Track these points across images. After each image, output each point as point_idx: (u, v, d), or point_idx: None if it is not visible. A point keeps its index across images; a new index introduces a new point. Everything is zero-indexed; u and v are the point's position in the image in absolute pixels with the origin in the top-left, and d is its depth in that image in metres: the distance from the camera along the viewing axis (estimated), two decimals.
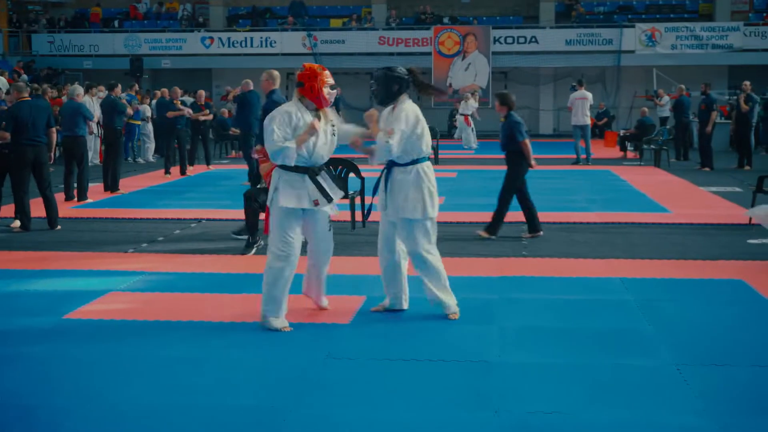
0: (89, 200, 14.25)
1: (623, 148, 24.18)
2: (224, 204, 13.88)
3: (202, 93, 19.99)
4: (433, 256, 7.13)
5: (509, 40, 32.50)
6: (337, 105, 27.78)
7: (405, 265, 7.30)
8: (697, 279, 8.65)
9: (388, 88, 7.06)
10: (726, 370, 5.88)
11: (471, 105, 27.35)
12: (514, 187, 10.79)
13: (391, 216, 7.11)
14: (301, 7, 35.20)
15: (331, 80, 6.88)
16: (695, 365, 5.98)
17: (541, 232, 10.88)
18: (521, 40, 32.50)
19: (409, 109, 7.01)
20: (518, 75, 32.75)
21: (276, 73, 11.56)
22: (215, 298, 7.95)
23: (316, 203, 6.80)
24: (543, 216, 11.22)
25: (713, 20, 33.07)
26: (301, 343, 6.57)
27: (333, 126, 7.00)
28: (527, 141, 10.74)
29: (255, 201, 9.86)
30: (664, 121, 26.14)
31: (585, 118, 21.32)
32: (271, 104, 11.15)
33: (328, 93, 6.85)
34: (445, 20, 34.22)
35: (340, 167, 11.47)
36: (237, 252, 9.96)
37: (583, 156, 21.26)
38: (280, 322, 6.86)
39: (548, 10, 34.37)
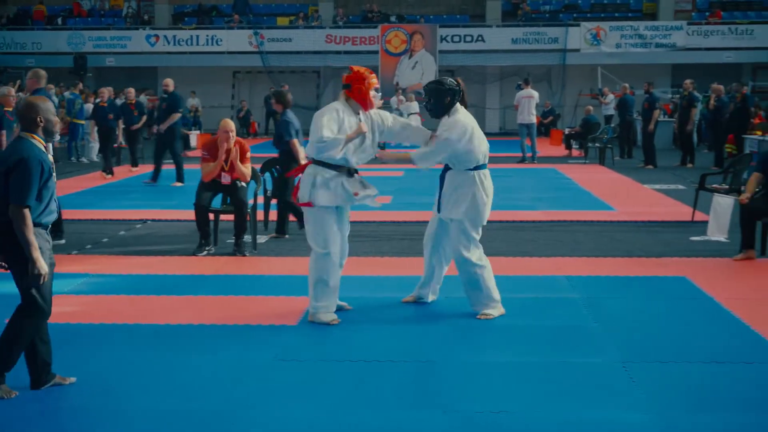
0: None
1: (568, 147, 24.40)
2: (170, 204, 13.74)
3: (132, 91, 19.40)
4: (475, 262, 7.19)
5: (456, 38, 32.63)
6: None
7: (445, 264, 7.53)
8: (641, 276, 8.74)
9: (441, 101, 7.13)
10: (671, 367, 5.95)
11: (413, 106, 27.30)
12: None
13: (442, 216, 7.24)
14: (246, 5, 35.00)
15: (377, 83, 7.07)
16: (641, 362, 6.05)
17: (287, 235, 10.83)
18: (468, 38, 32.64)
19: (461, 119, 7.10)
20: (465, 73, 32.83)
21: (42, 72, 11.31)
22: (162, 300, 7.87)
23: (356, 194, 6.97)
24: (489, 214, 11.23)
25: (657, 19, 33.50)
26: (249, 345, 6.52)
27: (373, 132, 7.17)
28: (296, 141, 10.66)
29: (203, 205, 9.76)
30: (608, 119, 26.41)
31: (531, 116, 21.48)
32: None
33: (374, 96, 7.02)
34: (392, 19, 34.26)
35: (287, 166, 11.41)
36: (185, 253, 9.87)
37: (529, 154, 21.41)
38: (329, 316, 7.02)
39: (495, 8, 34.57)
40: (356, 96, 6.98)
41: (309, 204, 6.94)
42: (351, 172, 7.02)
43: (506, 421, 5.04)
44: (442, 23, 33.71)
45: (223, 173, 9.83)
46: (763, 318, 7.13)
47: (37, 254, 5.17)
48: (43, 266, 5.19)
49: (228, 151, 9.81)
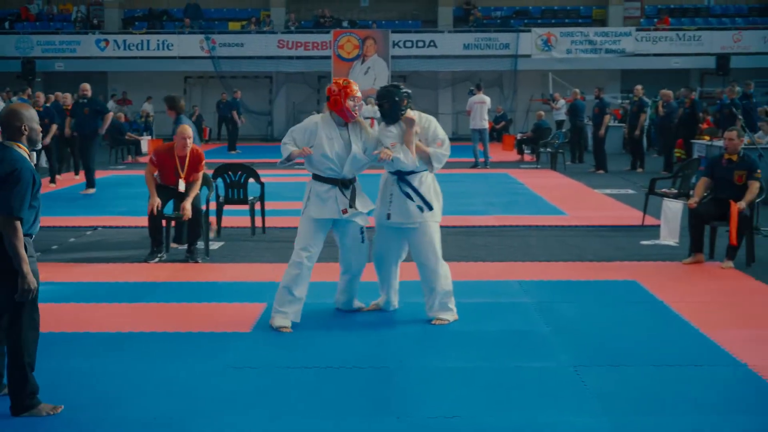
0: None
1: (520, 152, 24.56)
2: (120, 211, 13.61)
3: (68, 96, 18.98)
4: (443, 263, 7.28)
5: (408, 44, 32.71)
6: (237, 109, 27.58)
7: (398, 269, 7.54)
8: (592, 281, 8.83)
9: (397, 106, 7.09)
10: (622, 371, 6.01)
11: (369, 110, 27.29)
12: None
13: (398, 221, 7.19)
14: (198, 10, 34.79)
15: (356, 93, 7.02)
16: (592, 366, 6.11)
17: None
18: (420, 44, 32.74)
19: (434, 120, 7.30)
20: (417, 79, 32.93)
21: None
22: (113, 308, 7.79)
23: (344, 212, 7.01)
24: (442, 219, 11.28)
25: (606, 26, 33.85)
26: (201, 352, 6.48)
27: (367, 142, 7.16)
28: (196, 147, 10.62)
29: (157, 214, 9.65)
30: (559, 124, 26.64)
31: (483, 121, 21.59)
32: None
33: (352, 106, 6.98)
34: (344, 24, 34.23)
35: (239, 172, 11.39)
36: (137, 260, 9.78)
37: (482, 159, 21.51)
38: (281, 321, 7.00)
39: (446, 14, 34.71)
40: (334, 107, 7.04)
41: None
42: (345, 183, 7.07)
43: (460, 425, 5.06)
44: (394, 28, 33.78)
45: (179, 180, 9.76)
46: (712, 321, 7.24)
47: (27, 268, 5.04)
48: (32, 281, 5.07)
49: (183, 159, 9.75)
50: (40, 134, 5.39)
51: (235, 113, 27.53)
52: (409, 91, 7.26)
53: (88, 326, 7.15)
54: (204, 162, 9.96)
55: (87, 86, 16.50)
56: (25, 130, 5.22)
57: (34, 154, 5.49)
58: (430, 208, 7.13)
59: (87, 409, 5.32)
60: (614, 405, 5.38)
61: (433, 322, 7.21)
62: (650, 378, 5.88)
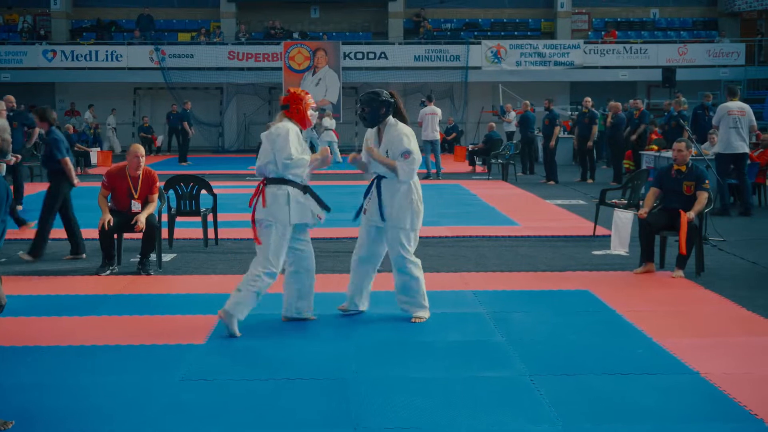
0: None
1: (472, 163, 24.69)
2: None
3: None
4: (414, 263, 7.59)
5: (359, 55, 32.79)
6: (188, 120, 27.36)
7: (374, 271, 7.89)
8: (546, 290, 8.88)
9: (376, 112, 7.54)
10: (577, 379, 6.05)
11: (329, 122, 27.28)
12: (55, 206, 10.58)
13: (378, 223, 7.58)
14: (148, 20, 34.54)
15: (314, 104, 7.48)
16: (547, 375, 6.14)
17: (84, 255, 10.64)
18: (371, 55, 32.83)
19: (407, 130, 7.59)
20: (369, 90, 32.99)
21: None
22: (64, 321, 7.68)
23: (320, 218, 7.36)
24: None
25: (555, 38, 34.23)
26: (155, 364, 6.41)
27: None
28: (67, 159, 10.59)
29: (108, 229, 9.51)
30: (510, 135, 26.84)
31: (435, 133, 21.68)
32: None
33: (312, 115, 7.39)
34: (295, 35, 34.23)
35: (191, 184, 11.30)
36: (87, 273, 9.66)
37: (434, 170, 21.60)
38: (236, 328, 7.11)
39: (396, 26, 34.86)
40: (295, 116, 7.31)
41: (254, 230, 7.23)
42: (306, 189, 7.32)
43: None
44: (345, 40, 33.84)
45: (132, 201, 9.65)
46: (664, 330, 7.31)
47: None
48: (1, 296, 5.01)
49: (136, 179, 9.66)
50: (11, 145, 5.31)
51: (186, 124, 27.30)
52: (391, 99, 7.62)
53: (38, 340, 7.03)
54: (158, 183, 9.87)
55: (12, 98, 15.74)
56: None
57: (4, 165, 5.41)
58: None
59: (37, 424, 5.23)
60: (569, 413, 5.41)
61: (411, 320, 7.58)
62: (605, 386, 5.93)
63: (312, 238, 7.64)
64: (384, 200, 7.51)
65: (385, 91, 7.72)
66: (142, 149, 9.81)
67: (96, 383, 5.97)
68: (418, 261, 7.66)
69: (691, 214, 9.35)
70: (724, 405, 5.58)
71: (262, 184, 7.28)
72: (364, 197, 7.72)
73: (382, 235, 7.65)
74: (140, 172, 9.68)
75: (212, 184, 11.56)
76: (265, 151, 7.25)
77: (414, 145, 7.51)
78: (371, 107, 7.55)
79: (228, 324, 7.09)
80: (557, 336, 7.20)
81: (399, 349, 6.81)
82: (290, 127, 7.23)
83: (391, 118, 7.63)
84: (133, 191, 9.64)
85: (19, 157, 14.42)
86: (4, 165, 5.17)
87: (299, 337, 7.15)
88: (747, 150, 14.88)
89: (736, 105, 14.78)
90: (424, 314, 7.64)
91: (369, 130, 7.74)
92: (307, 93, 7.44)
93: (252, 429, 5.17)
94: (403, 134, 7.51)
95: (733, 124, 14.57)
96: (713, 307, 8.26)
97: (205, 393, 5.81)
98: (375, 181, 7.61)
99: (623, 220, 10.81)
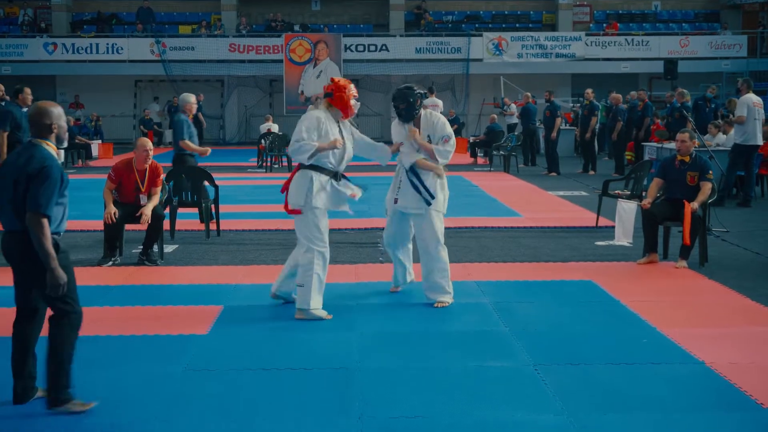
0: None
1: (473, 155, 24.66)
2: (71, 215, 13.31)
3: None
4: (444, 248, 7.90)
5: (360, 47, 32.72)
6: (201, 111, 27.51)
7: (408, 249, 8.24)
8: (549, 281, 8.86)
9: (413, 106, 7.78)
10: (581, 369, 6.04)
11: None
12: None
13: (411, 209, 7.85)
14: (149, 13, 34.48)
15: (356, 93, 7.57)
16: (552, 365, 6.12)
17: None
18: (372, 48, 32.76)
19: (443, 117, 8.01)
20: (370, 83, 32.97)
21: None
22: None
23: (353, 195, 7.52)
24: None
25: (556, 30, 34.15)
26: (158, 355, 6.40)
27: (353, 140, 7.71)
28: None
29: (114, 222, 9.47)
30: (511, 127, 26.79)
31: None
32: None
33: (355, 104, 7.49)
34: (296, 28, 34.15)
35: (193, 175, 11.27)
36: (89, 264, 9.63)
37: None
38: (323, 312, 7.35)
39: (398, 18, 34.77)
40: (338, 104, 7.41)
41: (298, 211, 7.29)
42: (338, 176, 7.46)
43: (422, 425, 5.05)
44: (346, 32, 33.77)
45: (140, 195, 9.63)
46: (668, 320, 7.29)
47: (54, 263, 5.06)
48: (62, 275, 5.08)
49: (143, 172, 9.63)
50: (68, 133, 5.43)
51: (200, 114, 27.46)
52: (423, 91, 7.99)
53: (42, 331, 6.99)
54: (162, 176, 9.87)
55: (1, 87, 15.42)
56: (54, 128, 5.26)
57: (62, 152, 5.50)
58: (433, 197, 7.79)
59: (44, 414, 5.21)
60: (574, 403, 5.39)
61: (435, 305, 7.74)
62: (609, 376, 5.91)
63: None
64: (422, 185, 7.77)
65: (414, 85, 7.96)
66: (150, 143, 9.79)
67: (99, 373, 5.95)
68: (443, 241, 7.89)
69: (695, 205, 9.33)
70: (729, 394, 5.57)
71: (295, 170, 7.46)
72: (392, 187, 7.97)
73: (408, 220, 7.96)
74: (147, 166, 9.66)
75: (215, 176, 11.53)
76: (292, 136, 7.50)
77: (451, 130, 7.93)
78: (407, 102, 7.74)
79: (311, 318, 7.27)
80: (561, 326, 7.18)
81: (402, 339, 6.79)
82: (313, 114, 7.34)
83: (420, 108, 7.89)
84: (140, 184, 9.61)
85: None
86: (62, 152, 5.31)
87: (302, 327, 7.12)
88: (761, 142, 14.87)
89: (756, 97, 14.75)
90: (448, 299, 7.82)
91: (395, 122, 7.93)
92: (350, 82, 7.55)
93: (255, 419, 5.15)
94: (443, 121, 7.88)
95: (757, 116, 14.52)
96: (717, 297, 8.24)
97: (208, 383, 5.79)
98: (406, 170, 7.80)
99: (627, 211, 10.78)
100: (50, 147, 5.23)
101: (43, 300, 5.26)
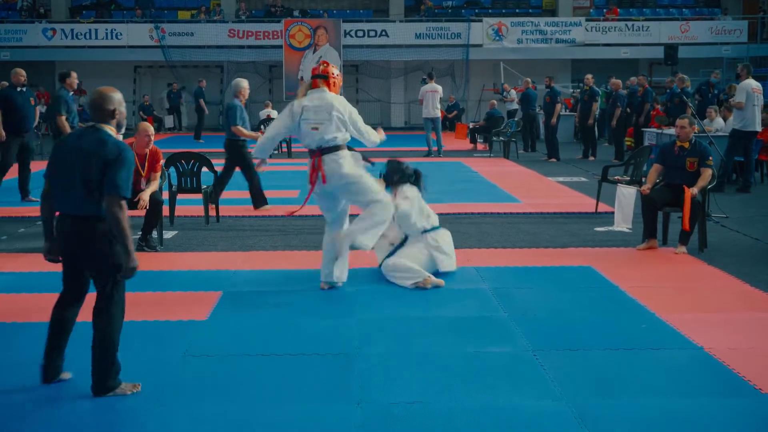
0: None
1: (473, 140, 24.63)
2: None
3: (5, 84, 17.57)
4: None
5: (360, 33, 32.64)
6: (203, 97, 27.56)
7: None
8: (548, 266, 8.86)
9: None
10: (581, 355, 6.04)
11: None
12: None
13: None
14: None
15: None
16: (550, 350, 6.13)
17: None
18: (372, 33, 32.67)
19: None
20: (369, 68, 32.91)
21: None
22: None
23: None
24: None
25: (556, 15, 34.06)
26: (157, 340, 6.41)
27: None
28: None
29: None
30: (511, 113, 26.74)
31: (435, 110, 21.60)
32: None
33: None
34: (296, 13, 34.06)
35: (192, 161, 11.27)
36: None
37: (435, 148, 21.54)
38: (369, 244, 7.75)
39: (397, 3, 34.67)
40: (333, 89, 7.81)
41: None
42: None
43: (421, 411, 5.05)
44: (345, 18, 33.68)
45: (140, 179, 9.61)
46: (667, 305, 7.30)
47: (132, 246, 5.11)
48: (136, 258, 5.13)
49: (143, 157, 9.62)
50: (125, 119, 5.54)
51: (202, 101, 27.60)
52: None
53: (39, 317, 6.99)
54: (162, 161, 9.86)
55: (23, 72, 15.24)
56: (117, 114, 5.31)
57: (121, 136, 5.54)
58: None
59: (44, 399, 5.22)
60: (573, 388, 5.39)
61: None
62: (608, 361, 5.92)
63: (305, 215, 7.63)
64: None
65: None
66: (151, 128, 9.76)
67: None
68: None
69: (695, 190, 9.32)
70: (728, 380, 5.58)
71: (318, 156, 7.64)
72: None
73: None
74: (147, 150, 9.64)
75: (214, 161, 11.52)
76: (346, 122, 7.70)
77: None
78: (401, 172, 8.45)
79: (351, 245, 7.66)
80: (560, 312, 7.18)
81: (402, 325, 6.79)
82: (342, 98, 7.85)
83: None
84: (141, 169, 9.60)
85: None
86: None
87: (302, 312, 7.13)
88: (760, 128, 14.84)
89: (755, 83, 14.71)
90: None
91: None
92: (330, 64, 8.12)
93: (254, 404, 5.16)
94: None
95: (756, 102, 14.48)
96: (717, 282, 8.24)
97: (208, 369, 5.80)
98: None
99: (626, 197, 10.78)
100: (113, 131, 5.27)
101: (97, 285, 5.29)
